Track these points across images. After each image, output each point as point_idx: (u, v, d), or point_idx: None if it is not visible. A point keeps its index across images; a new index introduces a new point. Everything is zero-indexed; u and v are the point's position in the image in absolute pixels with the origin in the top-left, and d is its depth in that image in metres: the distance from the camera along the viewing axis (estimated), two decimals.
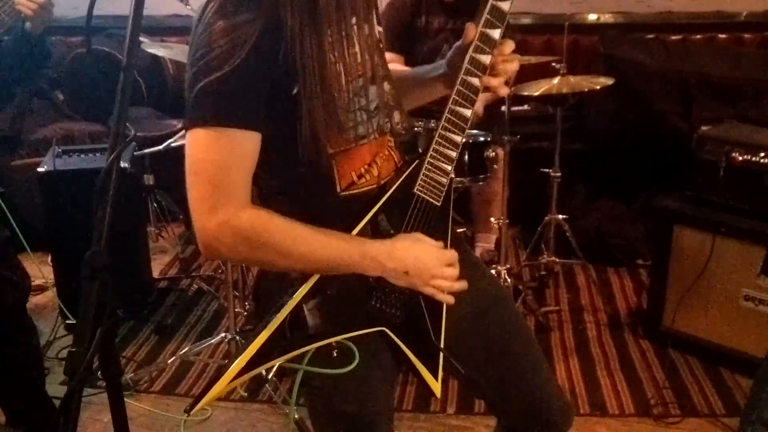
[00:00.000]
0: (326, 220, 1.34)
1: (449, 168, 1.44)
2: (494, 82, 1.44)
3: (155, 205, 4.03)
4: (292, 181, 1.37)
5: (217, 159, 1.25)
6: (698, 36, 4.45)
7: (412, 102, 1.63)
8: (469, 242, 3.63)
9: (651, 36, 4.44)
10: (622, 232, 3.84)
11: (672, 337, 2.98)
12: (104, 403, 1.30)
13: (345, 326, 1.37)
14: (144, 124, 4.20)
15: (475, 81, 1.41)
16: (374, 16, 1.45)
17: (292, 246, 1.29)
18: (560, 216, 3.50)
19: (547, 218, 3.51)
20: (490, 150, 2.95)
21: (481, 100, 3.13)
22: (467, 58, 1.40)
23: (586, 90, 3.18)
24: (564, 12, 4.53)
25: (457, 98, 1.41)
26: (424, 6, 3.40)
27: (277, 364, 1.36)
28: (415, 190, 1.43)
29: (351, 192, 1.39)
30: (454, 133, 1.43)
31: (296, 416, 2.43)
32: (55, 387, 2.59)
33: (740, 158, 2.83)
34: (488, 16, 1.39)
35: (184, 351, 3.07)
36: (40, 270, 3.11)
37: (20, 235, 2.56)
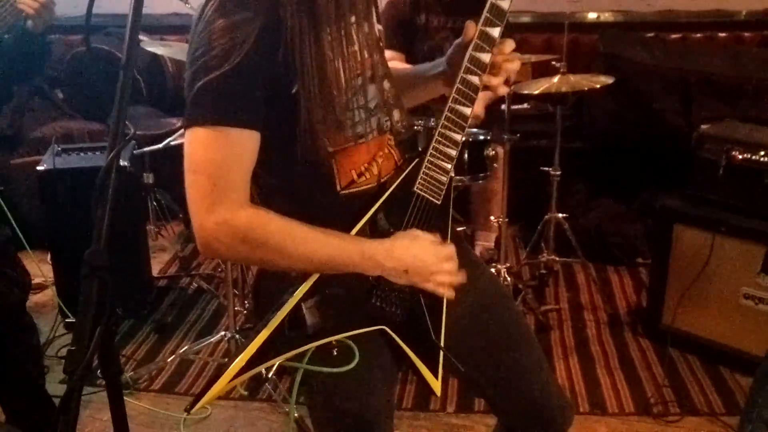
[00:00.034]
0: (326, 218, 1.34)
1: (449, 166, 1.44)
2: (494, 81, 1.44)
3: (155, 203, 4.03)
4: (292, 179, 1.37)
5: (216, 158, 1.25)
6: (698, 35, 4.46)
7: (412, 100, 1.63)
8: (469, 241, 3.63)
9: (651, 34, 4.44)
10: (622, 230, 3.85)
11: (672, 336, 2.98)
12: (104, 401, 1.30)
13: (345, 325, 1.37)
14: (143, 123, 4.19)
15: (475, 79, 1.41)
16: (374, 14, 1.45)
17: (291, 246, 1.29)
18: (560, 215, 3.50)
19: (546, 217, 3.51)
20: (490, 148, 2.95)
21: (482, 100, 3.13)
22: (467, 56, 1.40)
23: (586, 89, 3.18)
24: (564, 11, 4.52)
25: (456, 96, 1.41)
26: (423, 4, 3.40)
27: (277, 363, 1.36)
28: (415, 189, 1.43)
29: (351, 190, 1.39)
30: (453, 131, 1.42)
31: (296, 415, 2.43)
32: (55, 385, 2.59)
33: (740, 157, 2.83)
34: (488, 15, 1.39)
35: (183, 349, 3.07)
36: (39, 268, 3.10)
37: (20, 233, 2.56)
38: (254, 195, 1.34)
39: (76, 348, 1.11)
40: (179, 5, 3.15)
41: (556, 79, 3.17)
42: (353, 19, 1.35)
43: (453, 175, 1.46)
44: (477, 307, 1.59)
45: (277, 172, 1.37)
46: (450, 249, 1.43)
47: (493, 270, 3.18)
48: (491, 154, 2.95)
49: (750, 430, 2.10)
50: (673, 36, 4.44)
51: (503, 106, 3.22)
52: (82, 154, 3.37)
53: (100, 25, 4.51)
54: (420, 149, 1.46)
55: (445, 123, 1.42)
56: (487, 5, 1.39)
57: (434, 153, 1.43)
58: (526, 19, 4.53)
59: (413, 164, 1.43)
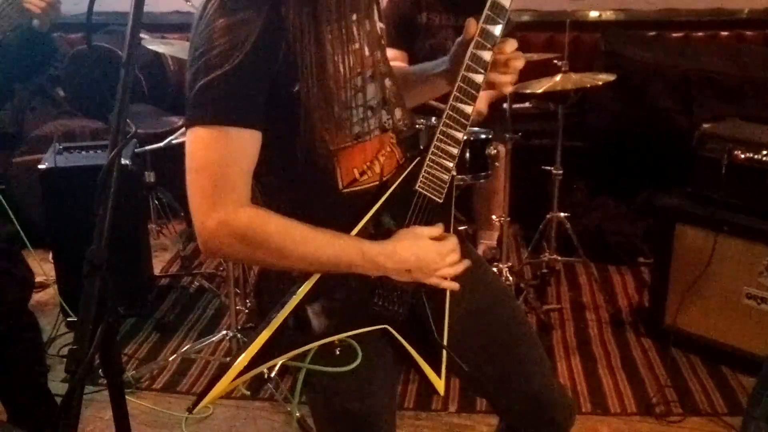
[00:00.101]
0: (328, 217, 1.34)
1: (451, 165, 1.43)
2: (504, 78, 1.44)
3: (156, 202, 4.03)
4: (294, 178, 1.37)
5: (217, 157, 1.25)
6: (700, 33, 4.45)
7: (415, 99, 1.63)
8: (470, 240, 3.63)
9: (652, 33, 4.44)
10: (624, 230, 3.84)
11: (674, 336, 2.97)
12: (105, 400, 1.30)
13: (347, 324, 1.37)
14: (145, 121, 4.19)
15: (477, 77, 1.40)
16: (375, 12, 1.45)
17: (291, 246, 1.28)
18: (562, 214, 3.49)
19: (548, 216, 3.50)
20: (492, 147, 2.94)
21: (485, 98, 3.12)
22: (468, 54, 1.40)
23: (588, 87, 3.18)
24: (565, 9, 4.53)
25: (458, 95, 1.41)
26: (424, 2, 3.39)
27: (280, 363, 1.36)
28: (416, 187, 1.43)
29: (353, 189, 1.39)
30: (455, 129, 1.42)
31: (298, 414, 2.43)
32: (57, 384, 2.59)
33: (742, 156, 2.83)
34: (489, 12, 1.39)
35: (185, 348, 3.07)
36: (41, 267, 3.10)
37: (21, 232, 2.56)
38: (256, 194, 1.33)
39: (77, 347, 1.11)
40: (180, 3, 3.14)
41: (557, 77, 3.16)
42: (354, 17, 1.34)
43: (455, 173, 1.46)
44: (479, 307, 1.59)
45: (279, 171, 1.37)
46: (452, 242, 1.43)
47: (494, 269, 3.18)
48: (493, 153, 2.95)
49: (752, 430, 2.10)
50: (675, 35, 4.44)
51: (505, 105, 3.21)
52: (83, 152, 3.37)
53: (101, 23, 4.51)
54: (422, 147, 1.46)
55: (447, 121, 1.41)
56: (489, 2, 1.38)
57: (436, 151, 1.42)
58: (527, 17, 4.53)
59: (415, 162, 1.43)
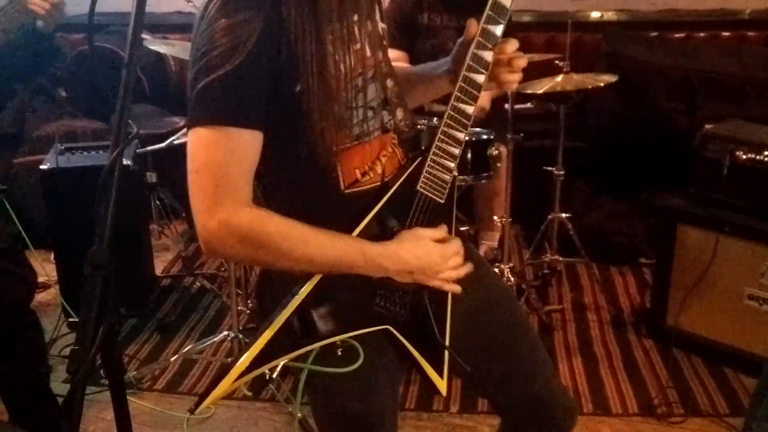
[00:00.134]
0: (329, 217, 1.34)
1: (452, 165, 1.43)
2: (512, 77, 1.44)
3: (158, 202, 4.03)
4: (296, 179, 1.37)
5: (218, 158, 1.25)
6: (702, 34, 4.45)
7: (417, 99, 1.63)
8: (472, 240, 3.63)
9: (654, 34, 4.43)
10: (626, 230, 3.84)
11: (675, 336, 2.97)
12: (107, 401, 1.30)
13: (349, 325, 1.37)
14: (146, 122, 4.20)
15: (478, 77, 1.40)
16: (377, 12, 1.45)
17: (292, 247, 1.28)
18: (563, 214, 3.49)
19: (550, 216, 3.50)
20: (493, 148, 2.94)
21: (488, 94, 3.12)
22: (469, 54, 1.40)
23: (590, 87, 3.17)
24: (567, 9, 4.52)
25: (459, 95, 1.41)
26: (426, 3, 3.40)
27: (281, 364, 1.36)
28: (418, 188, 1.42)
29: (354, 190, 1.39)
30: (456, 129, 1.42)
31: (299, 415, 2.43)
32: (58, 385, 2.59)
33: (744, 157, 2.83)
34: (490, 12, 1.39)
35: (186, 349, 3.07)
36: (42, 268, 3.11)
37: (23, 232, 2.57)
38: (257, 194, 1.33)
39: (79, 347, 1.10)
40: (182, 4, 3.15)
41: (559, 78, 3.16)
42: (356, 17, 1.34)
43: (456, 174, 1.46)
44: (481, 307, 1.58)
45: (280, 172, 1.37)
46: (455, 244, 1.43)
47: (496, 270, 3.18)
48: (494, 153, 2.94)
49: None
50: (677, 35, 4.44)
51: (506, 106, 3.21)
52: (85, 153, 3.37)
53: (103, 24, 4.52)
54: (423, 148, 1.46)
55: (448, 121, 1.41)
56: (489, 2, 1.38)
57: (437, 152, 1.42)
58: (528, 18, 4.53)
59: (416, 163, 1.43)
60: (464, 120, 1.41)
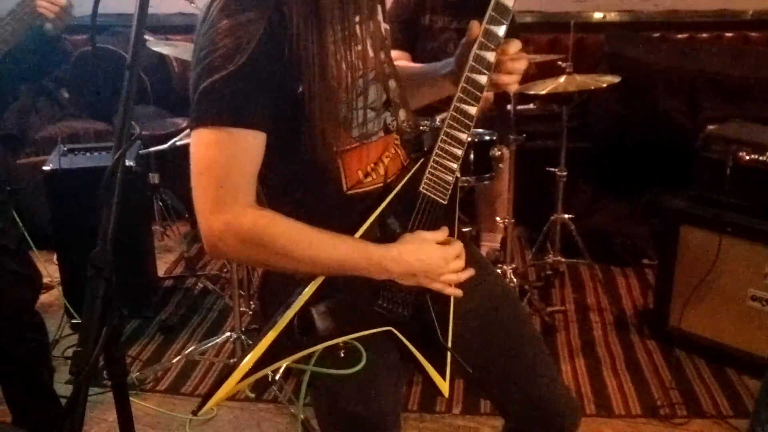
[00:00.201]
0: (332, 218, 1.34)
1: (455, 166, 1.43)
2: (507, 79, 1.44)
3: (160, 203, 4.03)
4: (299, 179, 1.37)
5: (221, 159, 1.25)
6: (704, 34, 4.44)
7: (420, 100, 1.63)
8: (474, 241, 3.62)
9: (657, 34, 4.43)
10: (628, 231, 3.83)
11: (678, 338, 2.97)
12: (110, 402, 1.30)
13: (352, 326, 1.37)
14: (149, 123, 4.20)
15: (480, 78, 1.40)
16: (380, 13, 1.45)
17: (296, 248, 1.28)
18: (566, 215, 3.49)
19: (552, 217, 3.50)
20: (496, 149, 2.94)
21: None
22: (471, 55, 1.40)
23: (592, 88, 3.17)
24: (569, 10, 4.52)
25: (462, 96, 1.40)
26: (428, 4, 3.39)
27: (284, 365, 1.36)
28: (421, 189, 1.42)
29: (357, 191, 1.39)
30: (459, 130, 1.42)
31: (302, 416, 2.43)
32: (61, 386, 2.58)
33: (747, 158, 2.82)
34: (492, 13, 1.38)
35: (189, 350, 3.06)
36: (45, 269, 3.11)
37: (26, 233, 2.57)
38: (260, 195, 1.33)
39: (82, 349, 1.10)
40: (184, 5, 3.14)
41: (562, 79, 3.16)
42: (358, 18, 1.34)
43: (459, 175, 1.46)
44: (483, 308, 1.58)
45: (283, 173, 1.37)
46: (457, 247, 1.43)
47: (498, 271, 3.17)
48: (497, 154, 2.94)
49: None
50: (680, 36, 4.43)
51: (509, 107, 3.21)
52: (88, 154, 3.37)
53: (105, 25, 4.52)
54: (426, 149, 1.46)
55: (451, 122, 1.41)
56: (492, 3, 1.38)
57: (440, 153, 1.42)
58: (531, 18, 4.53)
59: (419, 164, 1.43)
60: (467, 121, 1.41)
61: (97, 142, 3.89)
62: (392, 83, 1.45)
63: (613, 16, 4.57)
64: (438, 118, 2.66)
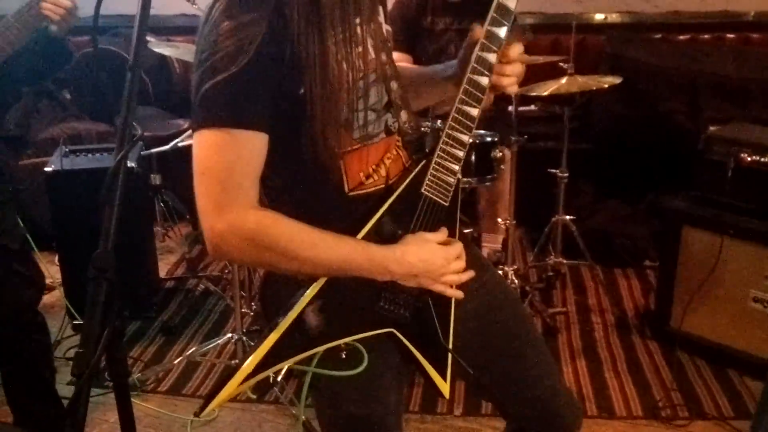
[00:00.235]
0: (334, 220, 1.34)
1: (456, 168, 1.43)
2: (507, 81, 1.44)
3: (162, 204, 4.03)
4: (300, 181, 1.37)
5: (224, 160, 1.25)
6: (706, 36, 4.44)
7: (422, 102, 1.63)
8: (475, 243, 3.62)
9: (658, 36, 4.43)
10: (630, 232, 3.83)
11: (680, 339, 2.97)
12: (111, 403, 1.30)
13: (353, 327, 1.37)
14: (151, 124, 4.20)
15: (482, 80, 1.40)
16: (381, 14, 1.45)
17: (299, 249, 1.28)
18: (567, 216, 3.48)
19: (554, 219, 3.50)
20: (497, 150, 2.94)
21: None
22: (473, 56, 1.40)
23: (594, 89, 3.17)
24: (571, 12, 4.52)
25: (463, 97, 1.40)
26: (429, 6, 3.39)
27: (286, 367, 1.36)
28: (422, 190, 1.42)
29: (359, 192, 1.39)
30: (461, 132, 1.42)
31: (303, 417, 2.43)
32: (62, 387, 2.58)
33: (749, 159, 2.82)
34: (494, 14, 1.38)
35: (190, 351, 3.07)
36: (47, 270, 3.11)
37: (27, 234, 2.57)
38: (262, 196, 1.33)
39: (84, 350, 1.11)
40: (186, 6, 3.14)
41: (563, 80, 3.16)
42: (358, 19, 1.34)
43: (460, 176, 1.46)
44: (485, 310, 1.58)
45: (285, 174, 1.37)
46: (458, 247, 1.43)
47: (500, 272, 3.17)
48: (498, 155, 2.94)
49: None
50: (681, 37, 4.43)
51: (510, 108, 3.21)
52: (89, 155, 3.37)
53: (107, 26, 4.52)
54: (427, 150, 1.46)
55: (452, 124, 1.41)
56: (494, 4, 1.38)
57: (442, 154, 1.42)
58: (533, 20, 4.53)
59: (421, 166, 1.43)
60: (469, 122, 1.41)
61: (99, 144, 3.89)
62: (394, 84, 1.45)
63: (614, 18, 4.57)
64: (439, 120, 2.67)
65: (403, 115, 1.47)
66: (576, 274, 3.70)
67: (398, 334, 1.41)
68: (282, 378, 2.69)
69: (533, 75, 3.31)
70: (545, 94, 3.13)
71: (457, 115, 1.41)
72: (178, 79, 4.60)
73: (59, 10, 2.15)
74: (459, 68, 1.49)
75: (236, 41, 1.22)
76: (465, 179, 2.85)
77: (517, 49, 1.44)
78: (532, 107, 4.08)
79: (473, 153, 2.88)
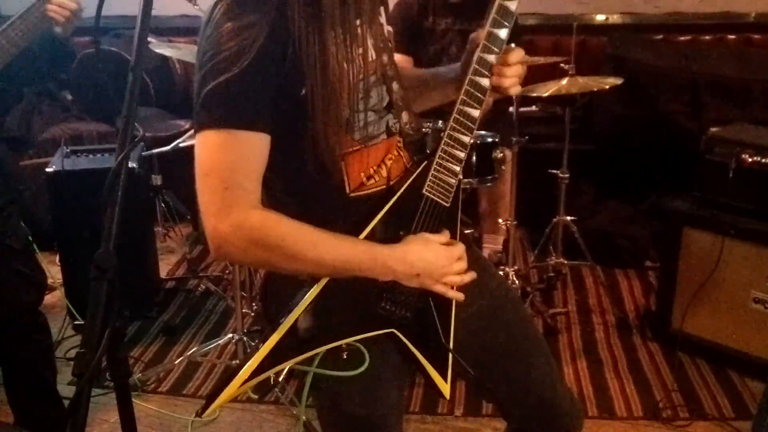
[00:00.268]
0: (335, 221, 1.34)
1: (458, 168, 1.43)
2: (507, 82, 1.44)
3: (163, 205, 4.04)
4: (302, 182, 1.37)
5: (227, 161, 1.25)
6: (707, 37, 4.44)
7: (425, 103, 1.63)
8: (476, 243, 3.62)
9: (659, 36, 4.43)
10: (631, 233, 3.83)
11: (681, 340, 2.96)
12: (111, 403, 1.30)
13: (354, 328, 1.37)
14: (152, 125, 4.20)
15: (484, 81, 1.41)
16: (382, 16, 1.45)
17: (303, 249, 1.28)
18: (568, 217, 3.49)
19: (555, 219, 3.49)
20: (498, 151, 2.94)
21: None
22: (475, 58, 1.40)
23: (595, 90, 3.17)
24: (572, 12, 4.52)
25: (465, 98, 1.41)
26: (431, 6, 3.40)
27: (288, 367, 1.36)
28: (424, 191, 1.42)
29: (360, 193, 1.39)
30: (462, 133, 1.42)
31: (304, 418, 2.43)
32: (63, 387, 2.59)
33: (750, 160, 2.82)
34: (495, 16, 1.39)
35: (191, 351, 3.07)
36: (48, 270, 3.11)
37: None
38: (263, 198, 1.33)
39: (85, 350, 1.11)
40: (188, 7, 3.14)
41: (564, 81, 3.16)
42: (359, 20, 1.34)
43: (462, 177, 1.46)
44: (486, 311, 1.58)
45: (286, 175, 1.37)
46: (459, 248, 1.43)
47: (501, 273, 3.17)
48: (499, 156, 2.94)
49: None
50: (682, 38, 4.43)
51: (511, 109, 3.21)
52: (91, 155, 3.37)
53: (108, 27, 4.53)
54: (429, 151, 1.46)
55: (454, 125, 1.41)
56: (495, 6, 1.38)
57: (443, 155, 1.42)
58: (534, 21, 4.53)
59: (422, 167, 1.43)
60: (470, 123, 1.41)
61: (100, 144, 3.89)
62: (395, 85, 1.45)
63: (615, 19, 4.57)
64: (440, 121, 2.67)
65: (405, 116, 1.47)
66: (577, 274, 3.70)
67: (399, 334, 1.42)
68: (283, 378, 2.69)
69: (534, 76, 3.32)
70: (546, 94, 3.13)
71: (458, 116, 1.41)
72: (179, 79, 4.61)
73: (64, 12, 2.15)
74: (462, 72, 1.49)
75: (238, 42, 1.22)
76: (466, 180, 2.85)
77: (516, 56, 1.43)
78: (533, 108, 4.09)
79: (474, 153, 2.88)
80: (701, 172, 2.98)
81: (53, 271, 3.29)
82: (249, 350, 1.24)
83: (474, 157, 2.88)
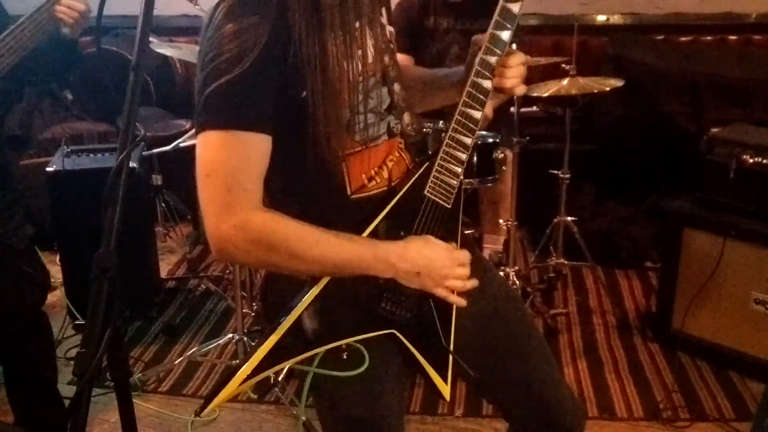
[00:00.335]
0: (337, 222, 1.34)
1: (459, 170, 1.43)
2: (509, 83, 1.44)
3: (163, 205, 4.04)
4: (303, 183, 1.37)
5: (228, 162, 1.25)
6: (708, 37, 4.44)
7: (427, 105, 1.63)
8: (477, 244, 3.62)
9: (660, 37, 4.43)
10: (631, 233, 3.83)
11: (681, 340, 2.96)
12: (112, 403, 1.30)
13: (355, 328, 1.37)
14: (152, 125, 4.21)
15: (485, 83, 1.41)
16: (384, 17, 1.45)
17: (306, 248, 1.28)
18: (569, 218, 3.48)
19: (555, 220, 3.49)
20: (499, 151, 2.94)
21: (491, 101, 3.12)
22: (477, 59, 1.40)
23: (596, 91, 3.17)
24: (573, 13, 4.52)
25: (467, 100, 1.41)
26: (432, 6, 3.39)
27: (287, 367, 1.36)
28: (425, 193, 1.42)
29: (361, 195, 1.39)
30: (463, 135, 1.42)
31: (304, 418, 2.43)
32: (63, 387, 2.59)
33: (751, 160, 2.82)
34: (498, 18, 1.39)
35: (191, 351, 3.07)
36: (48, 270, 3.11)
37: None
38: (265, 199, 1.33)
39: (85, 350, 1.11)
40: (189, 7, 3.14)
41: (565, 81, 3.16)
42: (359, 22, 1.34)
43: (463, 178, 1.46)
44: (487, 311, 1.58)
45: (288, 176, 1.37)
46: (464, 255, 1.43)
47: (501, 273, 3.17)
48: (500, 156, 2.94)
49: None
50: (683, 39, 4.43)
51: (512, 109, 3.21)
52: (91, 155, 3.38)
53: (109, 27, 4.53)
54: (430, 153, 1.46)
55: (456, 126, 1.41)
56: (498, 8, 1.38)
57: (444, 157, 1.42)
58: (535, 21, 4.53)
59: (423, 168, 1.43)
60: (471, 125, 1.41)
61: (101, 144, 3.89)
62: (397, 87, 1.45)
63: (616, 19, 4.57)
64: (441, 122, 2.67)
65: (406, 118, 1.47)
66: (577, 275, 3.70)
67: (399, 335, 1.41)
68: (283, 378, 2.70)
69: (535, 76, 3.33)
70: (547, 95, 3.13)
71: (460, 118, 1.41)
72: (180, 79, 4.61)
73: (73, 13, 2.15)
74: (465, 73, 1.49)
75: (239, 44, 1.22)
76: (466, 180, 2.85)
77: (516, 60, 1.43)
78: (534, 108, 4.08)
79: (475, 154, 2.88)
80: (702, 173, 2.98)
81: (53, 271, 3.29)
82: (249, 350, 1.24)
83: (475, 158, 2.88)
